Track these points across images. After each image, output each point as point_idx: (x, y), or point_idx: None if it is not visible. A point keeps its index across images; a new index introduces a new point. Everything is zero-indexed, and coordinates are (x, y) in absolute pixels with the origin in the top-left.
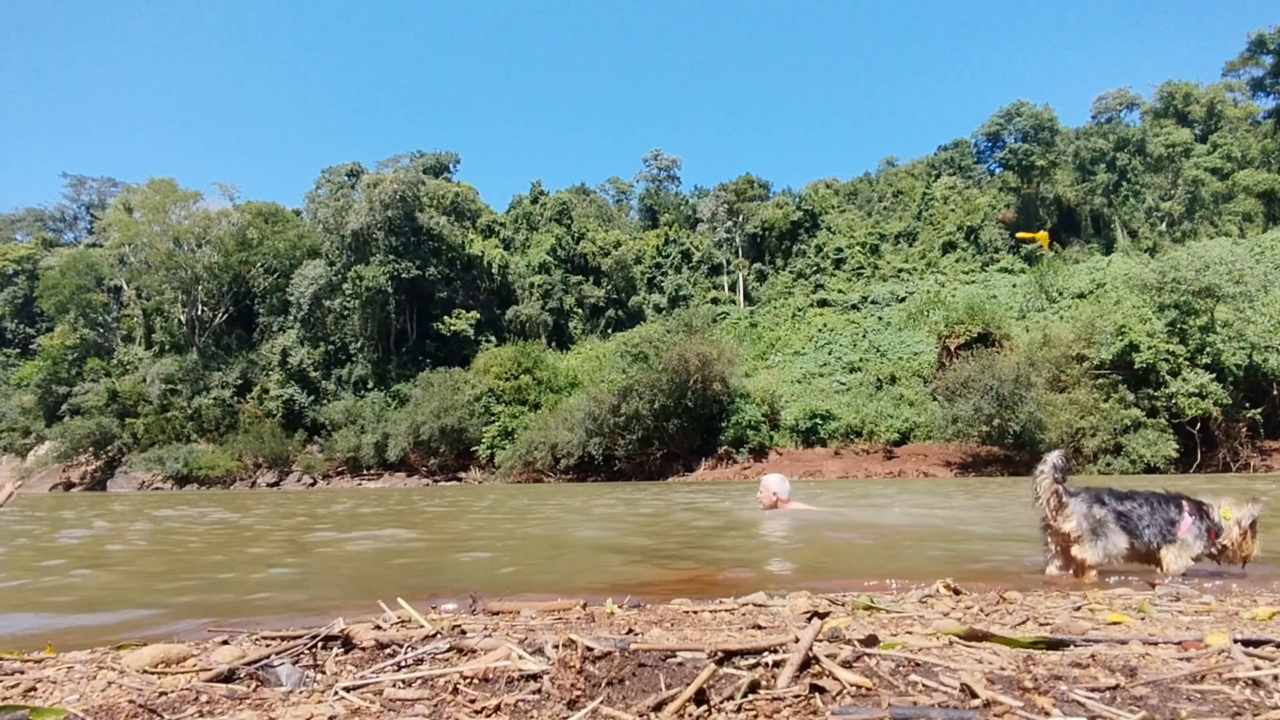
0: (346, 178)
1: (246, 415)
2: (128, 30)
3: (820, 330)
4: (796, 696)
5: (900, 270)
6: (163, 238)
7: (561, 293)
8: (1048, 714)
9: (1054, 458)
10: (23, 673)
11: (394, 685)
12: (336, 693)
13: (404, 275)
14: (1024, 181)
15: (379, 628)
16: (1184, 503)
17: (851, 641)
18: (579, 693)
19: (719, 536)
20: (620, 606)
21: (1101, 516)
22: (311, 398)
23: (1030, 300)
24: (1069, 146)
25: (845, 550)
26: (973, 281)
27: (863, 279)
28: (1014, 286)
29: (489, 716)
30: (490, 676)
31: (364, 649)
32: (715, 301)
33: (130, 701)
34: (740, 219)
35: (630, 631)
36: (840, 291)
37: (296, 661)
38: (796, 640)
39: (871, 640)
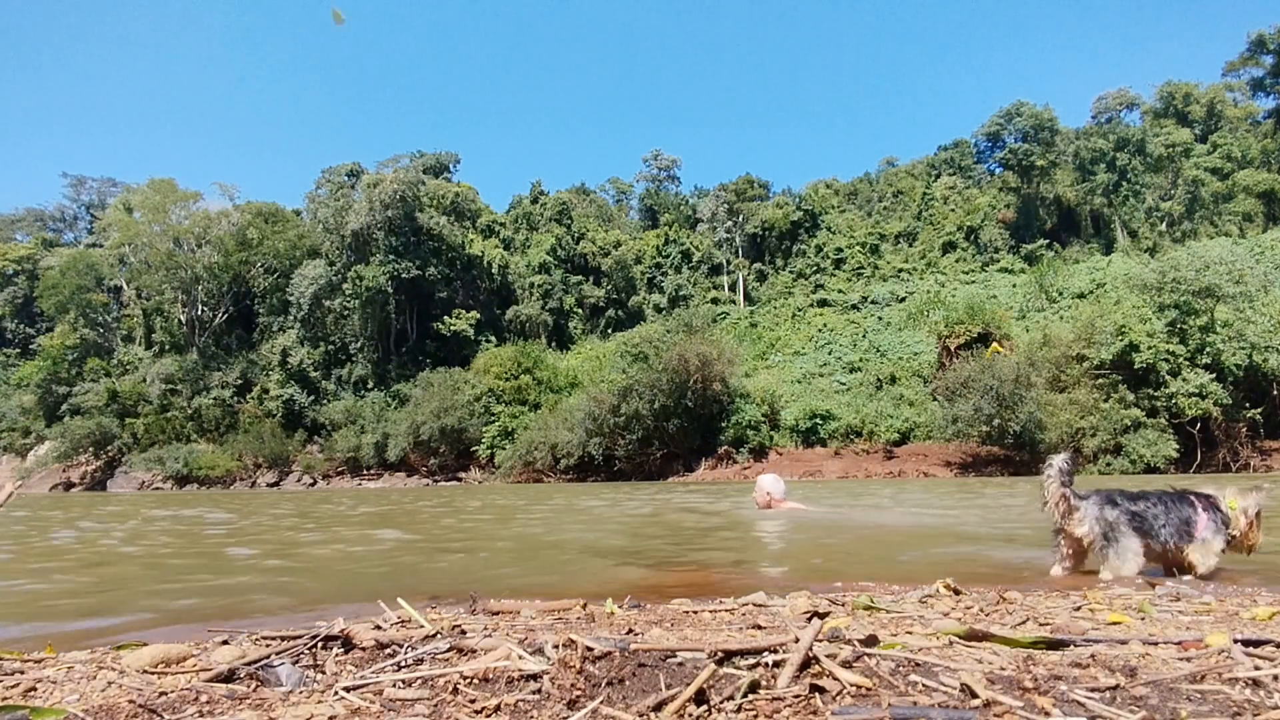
0: (346, 178)
1: (246, 415)
2: (128, 30)
3: (820, 330)
4: (796, 696)
5: (900, 270)
6: (163, 238)
7: (561, 293)
8: (1048, 714)
9: (1059, 461)
10: (23, 673)
11: (394, 685)
12: (336, 693)
13: (404, 275)
14: (1024, 181)
15: (379, 628)
16: (1195, 499)
17: (851, 641)
18: (579, 693)
19: (710, 536)
20: (620, 606)
21: (1114, 519)
22: (311, 398)
23: (1030, 300)
24: (1069, 146)
25: (842, 550)
26: (973, 281)
27: (863, 279)
28: (1014, 286)
29: (489, 716)
30: (490, 676)
31: (364, 649)
32: (715, 301)
33: (130, 701)
34: (740, 219)
35: (630, 631)
36: (840, 291)
37: (296, 661)
38: (796, 640)
39: (871, 640)
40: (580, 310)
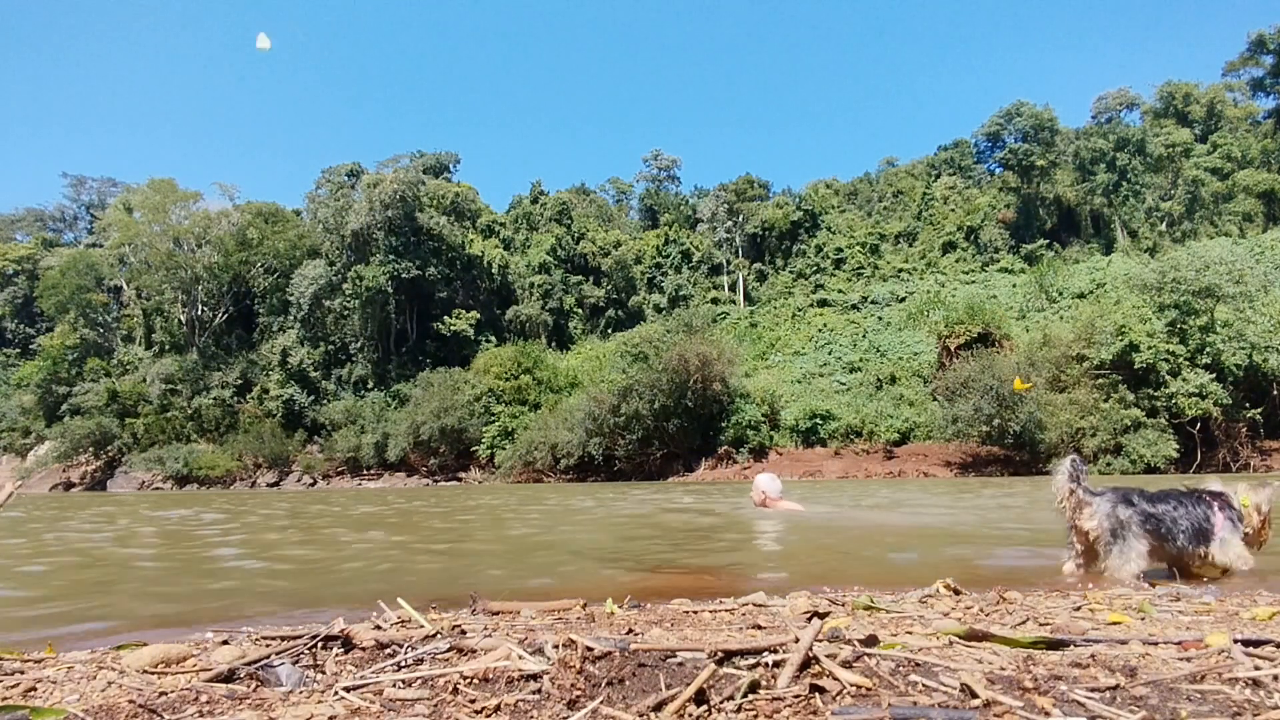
0: (346, 178)
1: (246, 415)
2: (128, 30)
3: (820, 330)
4: (796, 696)
5: (900, 270)
6: (163, 238)
7: (561, 293)
8: (1048, 714)
9: (1069, 462)
10: (23, 673)
11: (394, 685)
12: (336, 693)
13: (404, 275)
14: (1024, 181)
15: (379, 628)
16: (1210, 498)
17: (851, 641)
18: (579, 693)
19: (706, 536)
20: (620, 606)
21: (1126, 518)
22: (311, 398)
23: (1030, 300)
24: (1069, 146)
25: (840, 550)
26: (973, 281)
27: (863, 279)
28: (1014, 286)
29: (489, 716)
30: (490, 676)
31: (364, 649)
32: (715, 301)
33: (130, 701)
34: (740, 219)
35: (630, 631)
36: (840, 291)
37: (296, 661)
38: (796, 640)
39: (871, 640)
40: (580, 310)
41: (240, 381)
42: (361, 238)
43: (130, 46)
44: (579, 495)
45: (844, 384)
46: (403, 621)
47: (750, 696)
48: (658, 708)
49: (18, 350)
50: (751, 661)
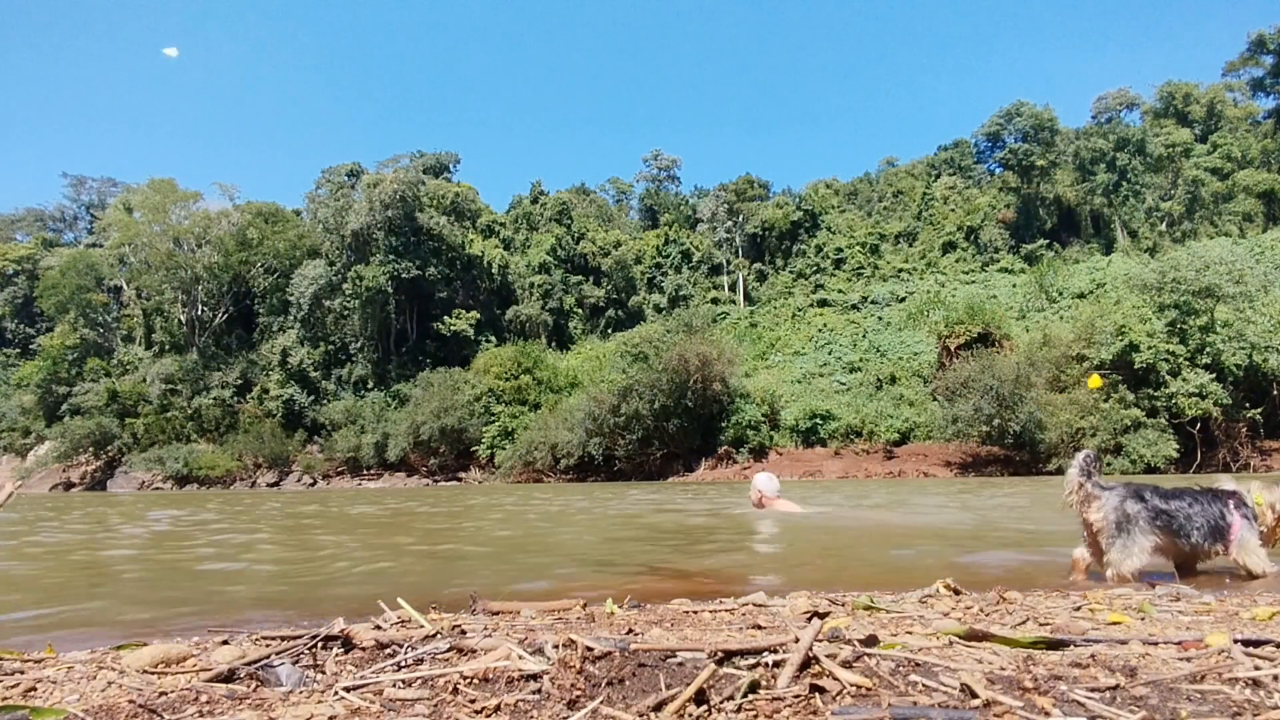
0: (346, 178)
1: (246, 415)
2: (128, 30)
3: (820, 330)
4: (796, 696)
5: (900, 270)
6: (163, 238)
7: (561, 293)
8: (1048, 714)
9: (1080, 456)
10: (23, 673)
11: (394, 685)
12: (336, 693)
13: (404, 275)
14: (1024, 181)
15: (379, 628)
16: (1225, 496)
17: (851, 641)
18: (579, 693)
19: (703, 536)
20: (620, 606)
21: (1133, 512)
22: (311, 398)
23: (1030, 300)
24: (1069, 146)
25: (838, 550)
26: (973, 281)
27: (863, 279)
28: (1014, 286)
29: (489, 716)
30: (490, 676)
31: (364, 649)
32: (715, 301)
33: (130, 701)
34: (740, 219)
35: (630, 631)
36: (840, 291)
37: (296, 661)
38: (796, 640)
39: (871, 640)
40: (580, 310)
41: (240, 381)
42: (361, 238)
43: (130, 46)
44: (579, 495)
45: (844, 384)
46: (403, 621)
47: (750, 696)
48: (658, 708)
49: (18, 350)
50: (751, 661)
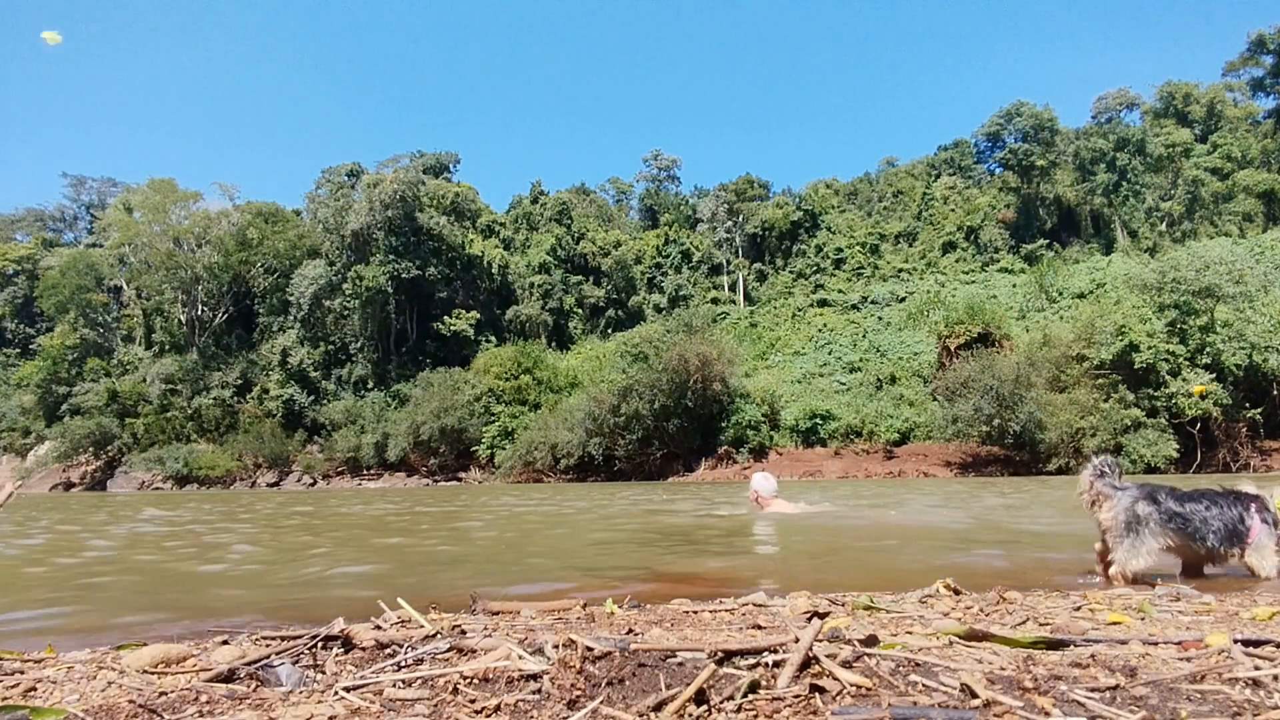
0: (346, 178)
1: (246, 415)
2: (128, 30)
3: (820, 330)
4: (796, 696)
5: (900, 270)
6: (163, 238)
7: (561, 293)
8: (1048, 714)
9: (1095, 458)
10: (23, 673)
11: (394, 685)
12: (336, 693)
13: (404, 275)
14: (1024, 181)
15: (379, 628)
16: (1246, 500)
17: (851, 641)
18: (579, 693)
19: (701, 537)
20: (620, 606)
21: (1145, 514)
22: (311, 398)
23: (1030, 300)
24: (1069, 146)
25: (838, 550)
26: (973, 281)
27: (863, 279)
28: (1014, 286)
29: (489, 716)
30: (490, 676)
31: (364, 649)
32: (715, 301)
33: (130, 701)
34: (740, 219)
35: (630, 631)
36: (840, 291)
37: (296, 661)
38: (796, 640)
39: (871, 640)
40: (580, 310)
41: (240, 381)
42: (361, 238)
43: (130, 46)
44: (580, 496)
45: (844, 384)
46: (403, 622)
47: (750, 696)
48: (658, 708)
49: (18, 350)
50: (751, 661)
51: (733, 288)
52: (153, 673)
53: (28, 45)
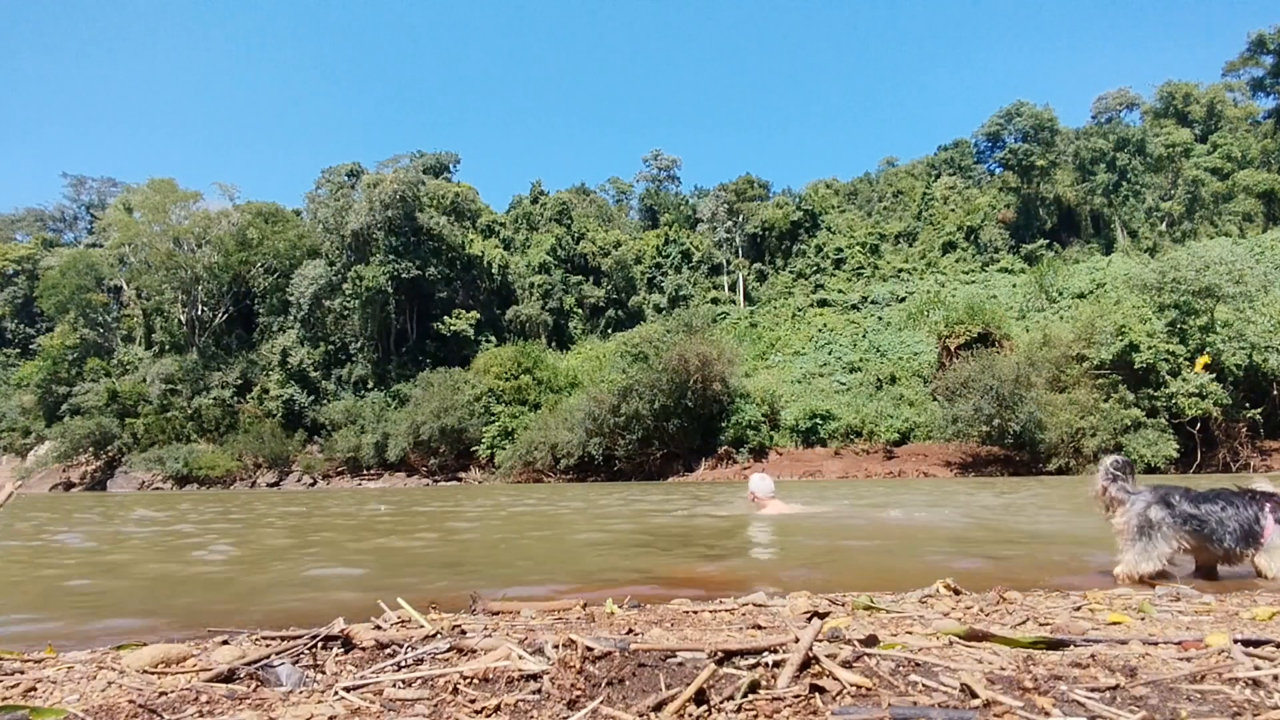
0: (346, 178)
1: (246, 415)
2: (127, 30)
3: (820, 330)
4: (796, 696)
5: (900, 270)
6: (163, 238)
7: (561, 293)
8: (1048, 714)
9: (1109, 460)
10: (23, 673)
11: (394, 685)
12: (336, 693)
13: (404, 275)
14: (1024, 181)
15: (379, 628)
16: (1263, 500)
17: (851, 641)
18: (579, 693)
19: (700, 537)
20: (620, 606)
21: (1158, 519)
22: (311, 398)
23: (1030, 300)
24: (1069, 146)
25: (837, 550)
26: (973, 281)
27: (863, 279)
28: (1014, 286)
29: (489, 716)
30: (490, 676)
31: (364, 649)
32: (715, 301)
33: (130, 701)
34: (740, 219)
35: (630, 631)
36: (840, 291)
37: (296, 661)
38: (796, 640)
39: (871, 640)
40: (580, 310)
41: (240, 381)
42: (361, 238)
43: (130, 46)
44: (580, 495)
45: (844, 384)
46: (403, 621)
47: (750, 696)
48: (658, 708)
49: (18, 350)
50: (751, 661)
51: (733, 288)
52: (153, 673)
53: (28, 45)
